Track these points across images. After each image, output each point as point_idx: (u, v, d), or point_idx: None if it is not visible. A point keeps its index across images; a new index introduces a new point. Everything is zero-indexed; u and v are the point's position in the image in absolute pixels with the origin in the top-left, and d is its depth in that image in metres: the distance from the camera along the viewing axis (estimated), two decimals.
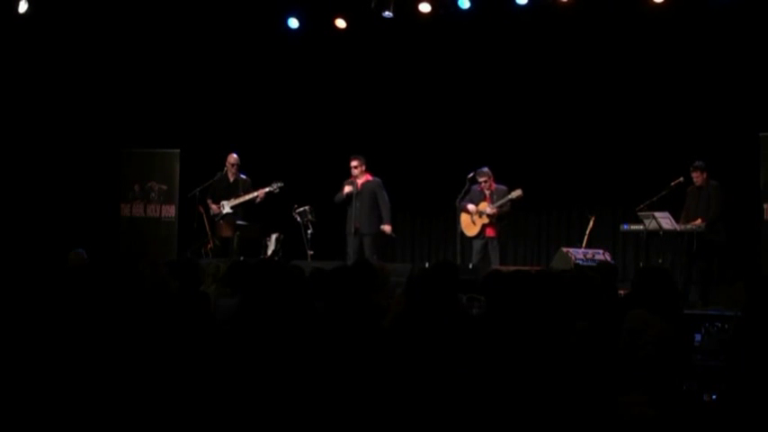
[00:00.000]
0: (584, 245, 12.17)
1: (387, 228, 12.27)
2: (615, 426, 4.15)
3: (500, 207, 12.01)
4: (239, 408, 4.11)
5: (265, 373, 4.26)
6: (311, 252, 12.90)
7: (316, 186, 13.94)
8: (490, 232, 12.14)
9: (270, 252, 12.88)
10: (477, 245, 12.26)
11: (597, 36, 13.39)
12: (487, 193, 12.13)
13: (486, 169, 12.17)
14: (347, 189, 12.26)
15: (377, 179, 12.37)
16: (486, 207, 12.07)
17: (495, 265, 11.75)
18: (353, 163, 12.29)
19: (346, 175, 12.55)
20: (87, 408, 4.15)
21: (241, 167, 13.17)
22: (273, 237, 13.00)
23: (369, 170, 12.36)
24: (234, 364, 4.34)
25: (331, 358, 4.32)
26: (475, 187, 12.24)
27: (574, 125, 13.84)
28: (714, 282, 11.26)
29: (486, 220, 12.08)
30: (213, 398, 4.15)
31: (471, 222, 12.21)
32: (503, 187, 12.16)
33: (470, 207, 12.17)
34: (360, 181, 12.32)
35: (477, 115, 14.34)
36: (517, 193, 12.00)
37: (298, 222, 13.05)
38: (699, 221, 11.51)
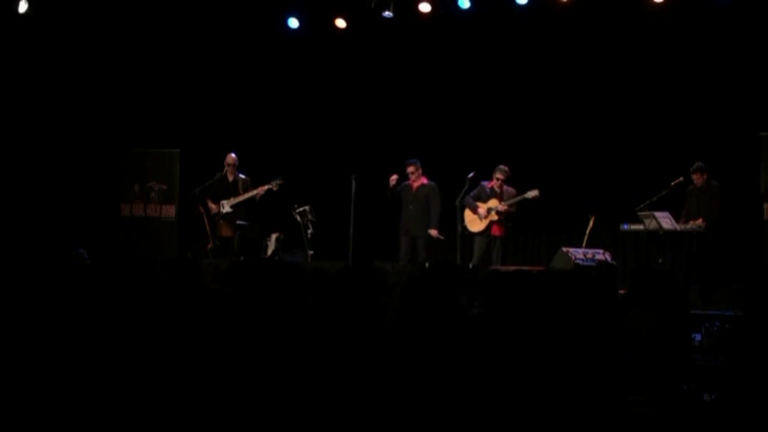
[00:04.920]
0: (584, 245, 12.15)
1: (433, 231, 12.40)
2: (616, 426, 4.15)
3: (511, 206, 12.05)
4: (239, 407, 4.12)
5: (265, 373, 4.26)
6: (311, 252, 12.92)
7: (316, 186, 13.96)
8: (496, 231, 12.18)
9: (270, 252, 12.89)
10: (479, 242, 12.26)
11: (597, 36, 13.39)
12: (498, 191, 12.16)
13: (505, 167, 12.23)
14: (393, 180, 12.48)
15: (432, 183, 12.59)
16: (496, 204, 12.10)
17: (496, 265, 11.76)
18: (409, 169, 12.50)
19: (347, 175, 12.61)
20: (88, 406, 4.16)
21: (241, 167, 13.18)
22: (273, 237, 13.01)
23: (396, 173, 12.61)
24: (233, 363, 4.34)
25: (331, 358, 4.32)
26: (484, 183, 12.25)
27: (574, 125, 13.83)
28: (714, 281, 11.26)
29: (495, 218, 12.11)
30: (213, 398, 4.15)
31: (478, 219, 12.22)
32: (511, 189, 12.20)
33: (480, 207, 12.18)
34: (415, 184, 12.44)
35: (477, 115, 14.32)
36: (534, 193, 12.01)
37: (298, 222, 13.06)
38: (699, 221, 11.52)
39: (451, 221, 12.56)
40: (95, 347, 4.49)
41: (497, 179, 12.18)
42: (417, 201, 12.47)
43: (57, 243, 12.77)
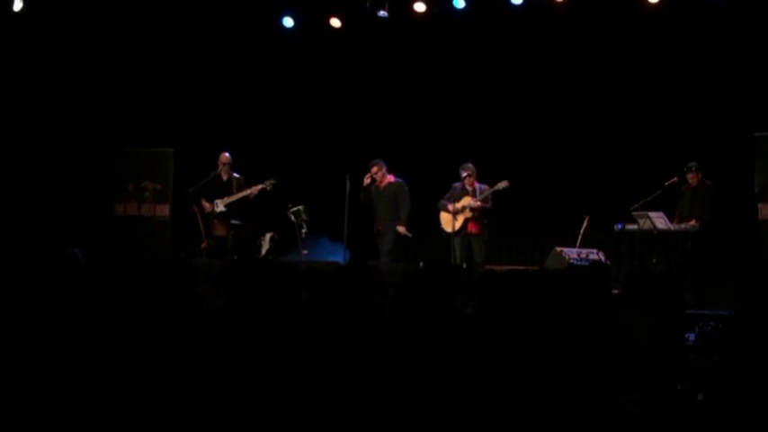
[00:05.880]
0: (578, 244, 12.17)
1: (400, 228, 12.37)
2: (610, 425, 4.15)
3: (484, 200, 12.05)
4: (232, 406, 4.11)
5: (259, 372, 4.26)
6: (305, 251, 12.91)
7: (310, 186, 13.95)
8: (472, 228, 12.14)
9: (264, 252, 12.88)
10: (458, 242, 12.22)
11: (592, 36, 13.40)
12: (469, 189, 12.14)
13: (470, 164, 12.20)
14: (367, 181, 12.46)
15: (399, 180, 12.53)
16: (469, 201, 12.09)
17: (480, 264, 11.79)
18: (373, 170, 12.45)
19: (341, 175, 12.60)
20: (82, 406, 4.15)
21: (236, 167, 13.16)
22: (268, 236, 13.00)
23: (390, 171, 12.59)
24: (227, 363, 4.33)
25: (325, 358, 4.32)
26: (456, 185, 12.26)
27: (568, 125, 13.85)
28: (708, 281, 11.27)
29: (469, 215, 12.09)
30: (207, 396, 4.15)
31: (453, 218, 12.21)
32: (485, 186, 12.19)
33: (450, 207, 12.19)
34: (382, 184, 12.44)
35: (471, 114, 14.33)
36: (504, 183, 12.00)
37: (292, 222, 13.05)
38: (693, 221, 11.54)
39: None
40: (89, 347, 4.48)
41: (467, 176, 12.15)
42: (385, 199, 12.45)
43: (51, 242, 12.73)
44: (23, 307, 4.96)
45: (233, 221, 12.91)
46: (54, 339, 4.57)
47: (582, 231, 12.35)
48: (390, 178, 12.55)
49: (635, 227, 11.85)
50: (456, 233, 12.21)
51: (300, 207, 13.07)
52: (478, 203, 12.06)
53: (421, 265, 11.13)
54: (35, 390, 4.23)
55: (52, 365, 4.37)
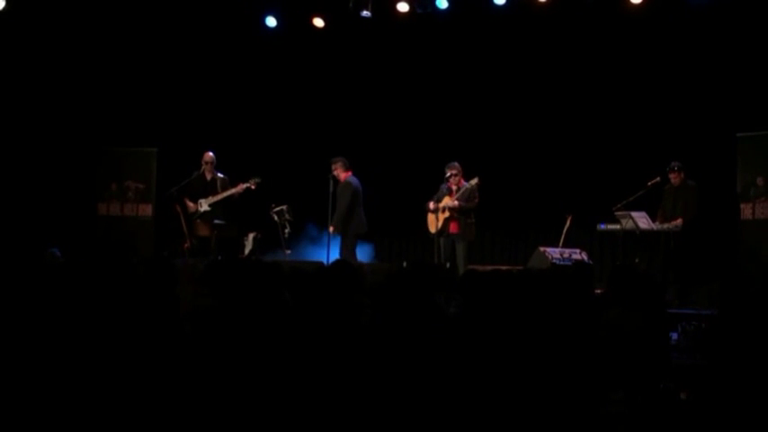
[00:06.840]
0: (560, 244, 12.18)
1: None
2: (593, 424, 4.16)
3: (461, 199, 11.99)
4: (214, 405, 4.10)
5: (241, 372, 4.25)
6: (288, 251, 12.89)
7: (293, 185, 13.93)
8: (453, 228, 12.06)
9: (247, 251, 12.86)
10: (442, 243, 12.14)
11: (575, 36, 13.42)
12: (454, 188, 12.09)
13: (455, 163, 12.14)
14: None
15: (348, 180, 12.32)
16: (447, 201, 12.05)
17: (461, 264, 11.76)
18: (332, 167, 12.29)
19: (324, 174, 12.56)
20: (59, 405, 4.14)
21: (219, 166, 13.10)
22: (251, 236, 12.97)
23: (350, 168, 12.43)
24: (210, 362, 4.32)
25: (308, 358, 4.31)
26: (443, 186, 12.22)
27: (551, 125, 13.86)
28: (691, 281, 11.30)
29: (447, 214, 12.04)
30: (187, 395, 4.13)
31: (435, 218, 12.17)
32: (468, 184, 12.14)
33: (431, 205, 12.14)
34: (340, 183, 12.37)
35: (455, 114, 14.34)
36: (474, 181, 11.96)
37: (275, 222, 13.03)
38: (677, 221, 11.57)
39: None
40: (68, 346, 4.46)
41: (452, 176, 12.08)
42: (335, 200, 12.36)
43: (33, 242, 12.67)
44: (3, 307, 4.94)
45: (216, 221, 12.87)
46: (32, 339, 4.55)
47: (565, 231, 12.36)
48: (343, 177, 12.42)
49: (618, 227, 11.87)
50: (439, 233, 12.16)
51: (284, 207, 13.05)
52: (456, 203, 12.00)
53: (404, 264, 11.12)
54: (14, 390, 4.21)
55: (31, 365, 4.35)
